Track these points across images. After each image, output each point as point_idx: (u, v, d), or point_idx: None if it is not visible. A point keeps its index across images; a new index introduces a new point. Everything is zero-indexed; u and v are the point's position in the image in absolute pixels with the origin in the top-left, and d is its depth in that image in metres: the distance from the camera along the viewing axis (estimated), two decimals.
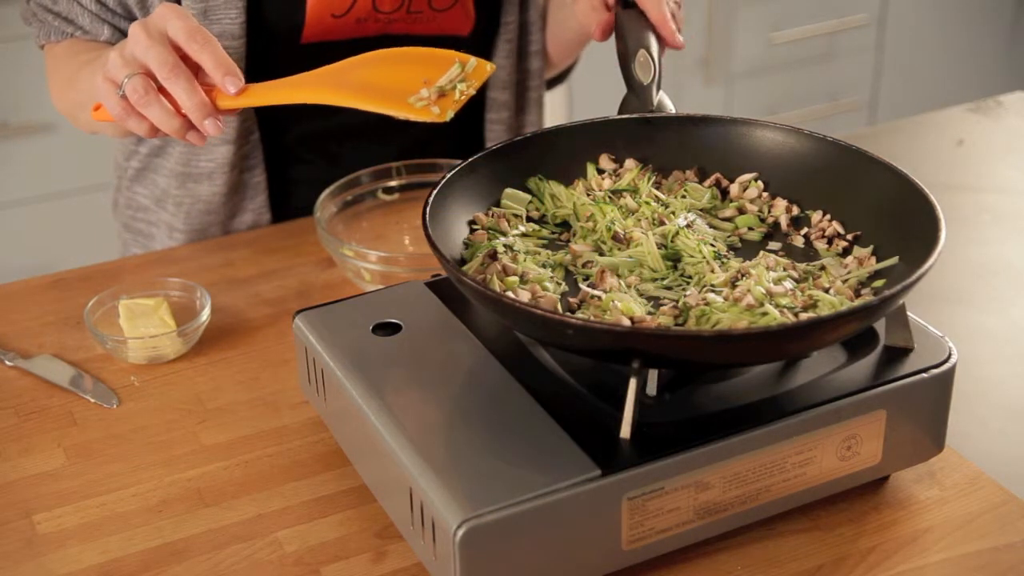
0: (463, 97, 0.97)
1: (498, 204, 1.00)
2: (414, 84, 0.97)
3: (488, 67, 1.00)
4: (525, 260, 0.93)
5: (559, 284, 0.92)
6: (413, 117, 0.95)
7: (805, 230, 0.98)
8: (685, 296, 0.89)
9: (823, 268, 0.93)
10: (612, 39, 1.14)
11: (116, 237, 1.47)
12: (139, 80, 0.99)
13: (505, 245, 0.95)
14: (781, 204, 1.00)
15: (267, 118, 1.32)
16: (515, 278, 0.91)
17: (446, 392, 0.88)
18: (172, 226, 1.36)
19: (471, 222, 0.97)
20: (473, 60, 1.00)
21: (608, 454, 0.80)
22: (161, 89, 1.00)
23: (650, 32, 1.10)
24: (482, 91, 1.41)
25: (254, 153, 1.32)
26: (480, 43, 1.38)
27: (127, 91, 1.00)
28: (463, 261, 0.94)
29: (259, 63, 1.26)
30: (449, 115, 0.95)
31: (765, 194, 1.01)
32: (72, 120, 1.29)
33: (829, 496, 0.89)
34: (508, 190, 1.00)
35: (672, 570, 0.86)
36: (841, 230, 0.96)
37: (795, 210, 0.99)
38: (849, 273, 0.91)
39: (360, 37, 1.28)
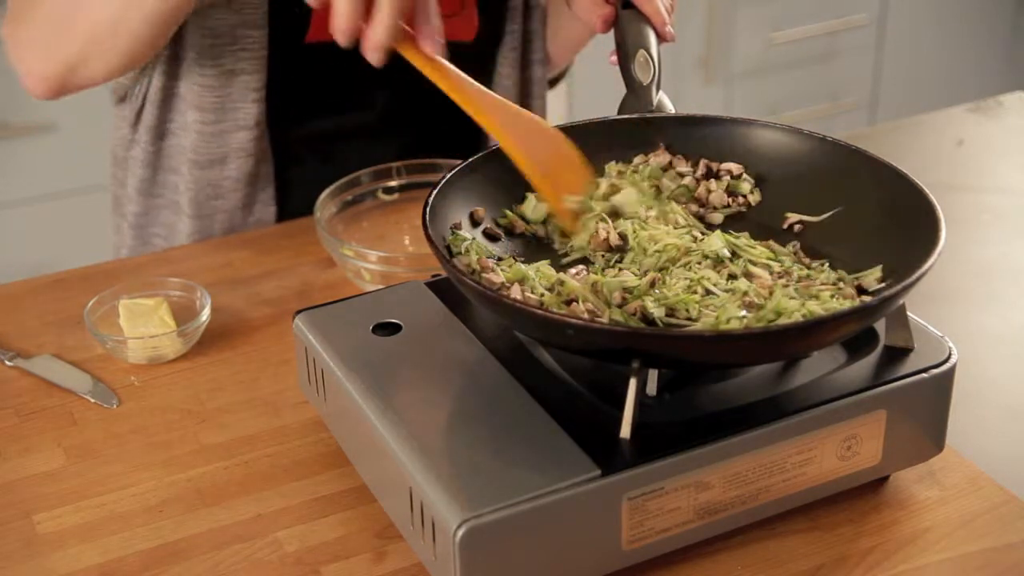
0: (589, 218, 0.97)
1: (502, 205, 0.99)
2: (568, 184, 0.96)
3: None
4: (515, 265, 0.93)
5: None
6: (557, 213, 0.96)
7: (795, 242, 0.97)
8: None
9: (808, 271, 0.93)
10: (612, 40, 1.14)
11: (115, 234, 1.46)
12: None
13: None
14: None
15: (272, 115, 1.32)
16: (510, 269, 0.90)
17: (446, 392, 0.88)
18: (179, 209, 1.35)
19: (471, 214, 0.97)
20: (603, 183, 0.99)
21: (608, 454, 0.80)
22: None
23: (649, 32, 1.10)
24: None
25: (264, 145, 1.32)
26: (484, 51, 1.38)
27: None
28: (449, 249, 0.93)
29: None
30: (577, 232, 0.96)
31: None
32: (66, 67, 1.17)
33: (829, 496, 0.89)
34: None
35: (672, 570, 0.86)
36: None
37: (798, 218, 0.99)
38: (843, 284, 0.91)
39: None
